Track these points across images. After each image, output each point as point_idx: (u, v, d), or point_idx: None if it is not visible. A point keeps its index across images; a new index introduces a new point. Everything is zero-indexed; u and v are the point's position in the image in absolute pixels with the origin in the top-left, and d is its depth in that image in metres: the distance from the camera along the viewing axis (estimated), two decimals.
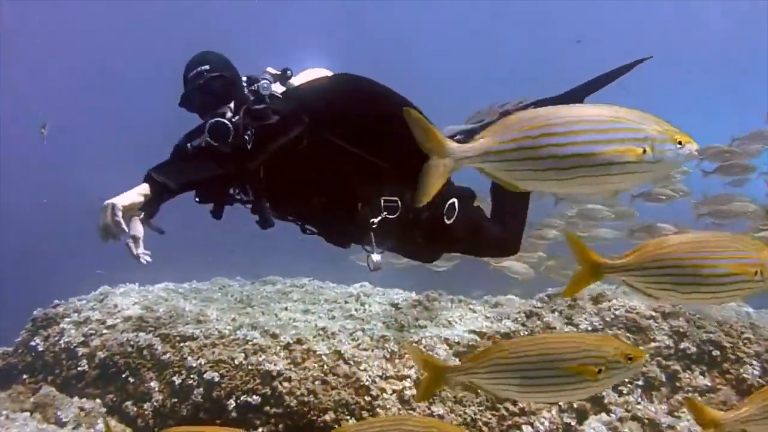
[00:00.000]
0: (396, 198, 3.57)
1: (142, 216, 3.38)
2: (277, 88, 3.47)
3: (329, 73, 3.71)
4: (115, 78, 23.77)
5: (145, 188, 2.92)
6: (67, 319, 5.52)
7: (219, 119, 3.19)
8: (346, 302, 6.65)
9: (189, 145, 3.27)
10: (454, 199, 3.76)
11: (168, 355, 5.02)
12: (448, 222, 3.75)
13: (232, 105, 3.29)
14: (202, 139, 3.21)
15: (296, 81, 3.59)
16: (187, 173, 3.13)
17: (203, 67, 3.30)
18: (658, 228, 6.48)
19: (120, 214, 2.81)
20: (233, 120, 3.21)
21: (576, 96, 3.89)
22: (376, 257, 3.59)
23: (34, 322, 5.69)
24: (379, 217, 3.51)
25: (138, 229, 3.28)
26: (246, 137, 3.19)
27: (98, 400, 4.83)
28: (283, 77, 3.54)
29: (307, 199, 3.49)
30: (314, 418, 4.55)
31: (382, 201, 3.54)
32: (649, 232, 6.49)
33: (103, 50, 23.12)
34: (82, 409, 4.27)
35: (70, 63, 23.35)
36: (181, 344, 5.11)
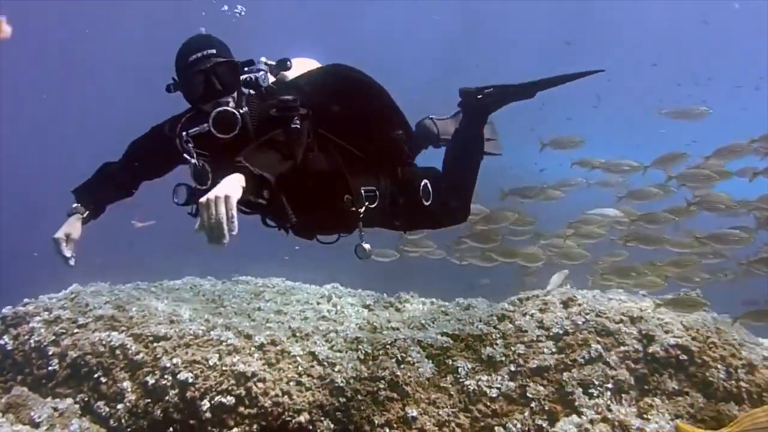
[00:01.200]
0: (373, 187, 3.63)
1: (85, 215, 3.37)
2: (269, 79, 3.43)
3: (317, 64, 3.72)
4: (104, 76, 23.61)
5: (240, 179, 2.66)
6: (37, 318, 5.43)
7: (227, 108, 3.11)
8: (318, 303, 6.67)
9: (185, 133, 3.15)
10: (426, 181, 3.86)
11: (141, 355, 4.99)
12: (426, 204, 3.87)
13: (235, 95, 3.20)
14: (201, 128, 3.12)
15: (289, 72, 3.56)
16: (276, 165, 2.92)
17: (209, 51, 3.16)
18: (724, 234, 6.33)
19: (235, 209, 2.52)
20: (241, 111, 3.14)
21: (531, 88, 4.29)
22: (366, 246, 3.64)
23: (3, 321, 5.58)
24: (364, 207, 3.54)
25: (76, 227, 3.28)
26: (296, 126, 3.09)
27: (70, 400, 4.78)
28: (280, 67, 3.48)
29: (304, 193, 3.41)
30: (288, 419, 4.57)
31: (363, 191, 3.57)
32: (717, 239, 6.37)
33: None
34: (55, 409, 4.22)
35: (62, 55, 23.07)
36: (155, 344, 5.08)
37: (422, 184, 3.88)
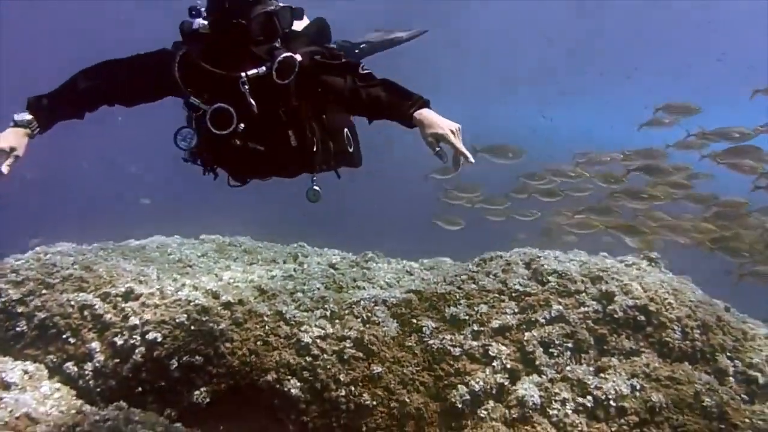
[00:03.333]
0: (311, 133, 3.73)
1: (36, 131, 3.20)
2: None
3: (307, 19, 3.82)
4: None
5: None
6: (3, 279, 5.38)
7: (291, 55, 3.23)
8: (284, 262, 6.73)
9: (243, 74, 3.19)
10: (346, 129, 4.03)
11: (109, 315, 5.01)
12: (350, 150, 4.03)
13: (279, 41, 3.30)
14: (260, 71, 3.20)
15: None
16: None
17: None
18: None
19: None
20: (299, 58, 3.26)
21: (389, 44, 5.42)
22: (317, 188, 3.82)
23: None
24: (315, 149, 3.65)
25: (23, 144, 3.11)
26: (369, 71, 3.30)
27: (39, 362, 4.79)
28: (295, 16, 3.46)
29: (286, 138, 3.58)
30: (256, 378, 4.65)
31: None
32: None
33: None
34: (25, 371, 4.23)
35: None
36: (123, 304, 5.11)
37: (345, 132, 4.02)
